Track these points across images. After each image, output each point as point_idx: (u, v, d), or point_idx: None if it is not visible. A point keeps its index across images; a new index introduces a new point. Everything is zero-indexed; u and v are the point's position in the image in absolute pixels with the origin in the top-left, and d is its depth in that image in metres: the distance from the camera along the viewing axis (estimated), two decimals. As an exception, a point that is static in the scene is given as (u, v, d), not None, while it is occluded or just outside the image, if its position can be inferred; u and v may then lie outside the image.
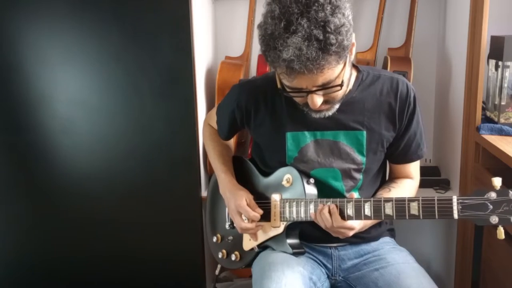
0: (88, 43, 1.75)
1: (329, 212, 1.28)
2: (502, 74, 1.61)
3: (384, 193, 1.42)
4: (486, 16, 1.58)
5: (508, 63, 1.60)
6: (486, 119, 1.72)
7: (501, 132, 1.61)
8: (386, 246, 1.47)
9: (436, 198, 1.16)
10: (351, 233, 1.31)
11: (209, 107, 1.98)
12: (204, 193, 1.90)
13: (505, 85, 1.62)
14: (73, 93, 1.80)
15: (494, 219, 1.10)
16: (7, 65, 1.79)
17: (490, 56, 1.69)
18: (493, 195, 1.10)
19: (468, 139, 1.73)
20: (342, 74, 1.21)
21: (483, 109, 1.74)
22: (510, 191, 1.09)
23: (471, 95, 1.69)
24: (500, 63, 1.62)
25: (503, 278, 1.52)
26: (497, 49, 1.64)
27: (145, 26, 1.73)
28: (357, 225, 1.31)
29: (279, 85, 1.28)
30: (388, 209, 1.22)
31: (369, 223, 1.39)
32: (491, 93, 1.70)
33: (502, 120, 1.64)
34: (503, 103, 1.64)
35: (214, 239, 1.64)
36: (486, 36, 1.60)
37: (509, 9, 1.89)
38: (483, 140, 1.61)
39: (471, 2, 1.66)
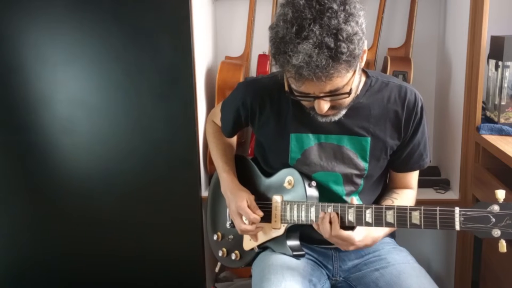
0: (88, 43, 1.75)
1: (330, 221, 1.26)
2: (502, 74, 1.61)
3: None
4: (486, 16, 1.59)
5: (508, 63, 1.60)
6: (486, 119, 1.72)
7: (501, 132, 1.61)
8: (386, 247, 1.47)
9: (438, 208, 1.15)
10: (351, 248, 1.27)
11: (209, 107, 1.98)
12: (204, 193, 1.89)
13: (505, 85, 1.62)
14: (73, 93, 1.80)
15: (496, 232, 1.09)
16: (8, 65, 1.79)
17: (490, 56, 1.69)
18: (496, 208, 1.09)
19: (468, 139, 1.73)
20: (351, 82, 1.20)
21: (483, 109, 1.74)
22: None
23: (471, 95, 1.69)
24: (500, 63, 1.62)
25: (503, 278, 1.52)
26: (497, 49, 1.64)
27: (145, 26, 1.73)
28: (358, 240, 1.26)
29: (286, 88, 1.27)
30: (390, 217, 1.21)
31: (379, 239, 1.33)
32: (491, 93, 1.70)
33: (502, 120, 1.64)
34: (503, 103, 1.64)
35: (215, 237, 1.64)
36: (486, 36, 1.60)
37: (509, 9, 1.89)
38: (483, 140, 1.61)
39: (471, 2, 1.66)
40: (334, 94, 1.20)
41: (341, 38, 1.10)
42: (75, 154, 1.86)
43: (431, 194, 1.89)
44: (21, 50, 1.77)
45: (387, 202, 1.43)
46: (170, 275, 1.96)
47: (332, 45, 1.10)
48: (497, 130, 1.62)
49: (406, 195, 1.46)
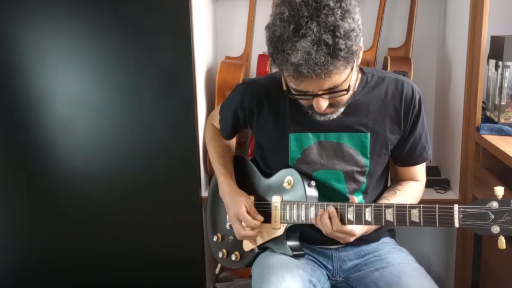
0: (88, 43, 1.75)
1: (329, 216, 1.27)
2: (502, 74, 1.61)
3: (390, 196, 1.41)
4: (486, 16, 1.59)
5: (508, 63, 1.60)
6: (486, 119, 1.72)
7: (501, 132, 1.61)
8: (386, 247, 1.47)
9: (437, 206, 1.15)
10: (351, 239, 1.30)
11: (209, 107, 1.98)
12: (204, 193, 1.89)
13: (505, 85, 1.62)
14: (73, 93, 1.80)
15: (496, 229, 1.09)
16: (7, 65, 1.79)
17: (490, 56, 1.69)
18: (495, 204, 1.09)
19: (468, 139, 1.73)
20: (349, 78, 1.21)
21: (483, 109, 1.74)
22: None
23: (471, 95, 1.69)
24: (500, 63, 1.62)
25: (503, 278, 1.52)
26: (497, 49, 1.64)
27: (145, 26, 1.73)
28: (358, 230, 1.30)
29: (284, 87, 1.27)
30: (389, 216, 1.21)
31: (372, 227, 1.38)
32: (491, 93, 1.70)
33: (502, 120, 1.64)
34: (503, 103, 1.64)
35: (215, 238, 1.63)
36: (486, 36, 1.60)
37: (509, 9, 1.89)
38: (483, 140, 1.61)
39: (471, 2, 1.66)
40: (333, 91, 1.20)
41: (338, 34, 1.11)
42: (75, 154, 1.86)
43: (431, 194, 1.89)
44: (21, 50, 1.77)
45: (390, 193, 1.43)
46: (171, 275, 1.96)
47: (330, 42, 1.10)
48: (497, 130, 1.62)
49: (411, 187, 1.45)
